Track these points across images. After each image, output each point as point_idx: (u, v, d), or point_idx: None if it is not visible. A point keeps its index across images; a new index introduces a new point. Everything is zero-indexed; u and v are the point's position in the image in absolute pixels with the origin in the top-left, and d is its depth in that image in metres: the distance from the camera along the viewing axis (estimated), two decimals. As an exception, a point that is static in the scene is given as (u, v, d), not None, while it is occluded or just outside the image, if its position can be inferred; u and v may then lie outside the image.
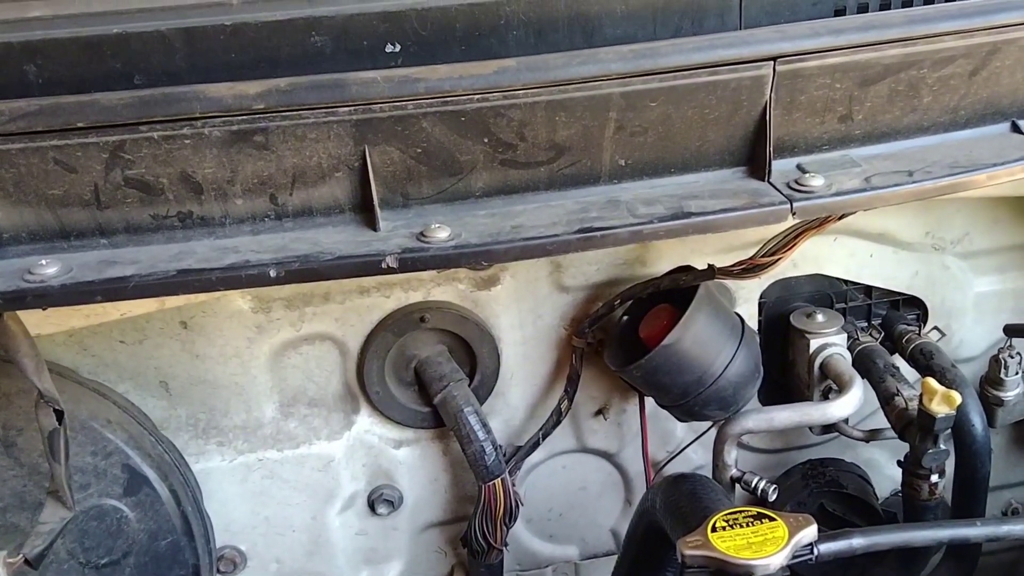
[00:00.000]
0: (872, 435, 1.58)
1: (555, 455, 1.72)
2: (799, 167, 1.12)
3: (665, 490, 1.35)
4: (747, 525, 1.11)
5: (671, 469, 1.75)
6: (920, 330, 1.66)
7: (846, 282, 1.65)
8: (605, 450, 1.73)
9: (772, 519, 1.12)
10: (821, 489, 1.67)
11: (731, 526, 1.11)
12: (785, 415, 1.48)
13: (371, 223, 1.05)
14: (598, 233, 1.01)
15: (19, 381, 1.33)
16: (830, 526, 1.67)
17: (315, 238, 1.04)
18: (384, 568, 1.73)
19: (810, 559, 1.11)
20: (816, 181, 1.08)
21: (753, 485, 1.50)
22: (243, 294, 1.46)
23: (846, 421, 1.61)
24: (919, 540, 1.14)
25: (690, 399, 1.42)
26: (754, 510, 1.14)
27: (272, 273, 0.98)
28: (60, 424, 1.19)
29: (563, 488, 1.76)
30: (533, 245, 1.00)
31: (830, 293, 1.66)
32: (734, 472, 1.53)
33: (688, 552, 1.09)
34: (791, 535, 1.09)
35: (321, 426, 1.58)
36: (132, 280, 0.98)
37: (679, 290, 1.44)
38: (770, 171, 1.10)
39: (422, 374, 1.55)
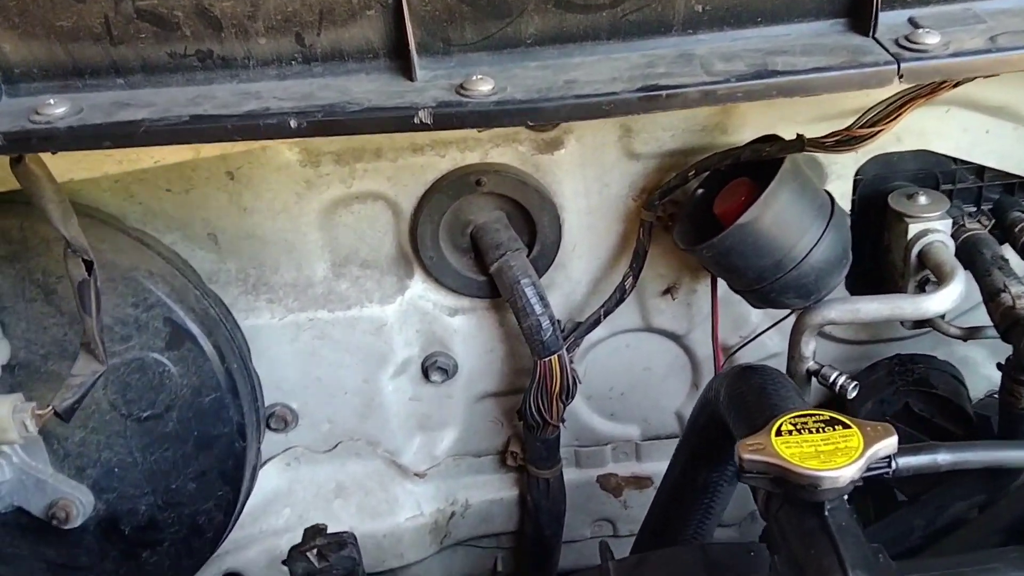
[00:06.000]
0: (971, 333, 1.44)
1: (618, 333, 1.62)
2: (911, 21, 0.94)
3: (731, 382, 1.24)
4: (817, 431, 1.00)
5: (743, 355, 1.64)
6: (1038, 219, 1.47)
7: (956, 160, 1.47)
8: (672, 331, 1.62)
9: (847, 426, 1.00)
10: (908, 387, 1.54)
11: (799, 431, 1.00)
12: (873, 307, 1.34)
13: (407, 72, 0.93)
14: (663, 92, 0.86)
15: (59, 227, 1.28)
16: (916, 427, 1.55)
17: (345, 86, 0.92)
18: (438, 435, 1.69)
19: (887, 473, 1.00)
20: (931, 39, 0.90)
21: (831, 380, 1.38)
22: (291, 146, 1.38)
23: (942, 317, 1.46)
24: (1013, 461, 1.01)
25: (766, 285, 1.29)
26: (827, 414, 1.02)
27: (292, 124, 0.87)
28: (90, 275, 1.14)
29: (626, 367, 1.67)
30: (587, 104, 0.87)
31: (936, 172, 1.47)
32: (811, 365, 1.41)
33: (746, 456, 0.99)
34: (867, 446, 0.97)
35: (373, 289, 1.51)
36: (143, 125, 0.89)
37: (762, 163, 1.29)
38: (876, 24, 0.92)
39: (478, 241, 1.46)
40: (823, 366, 1.39)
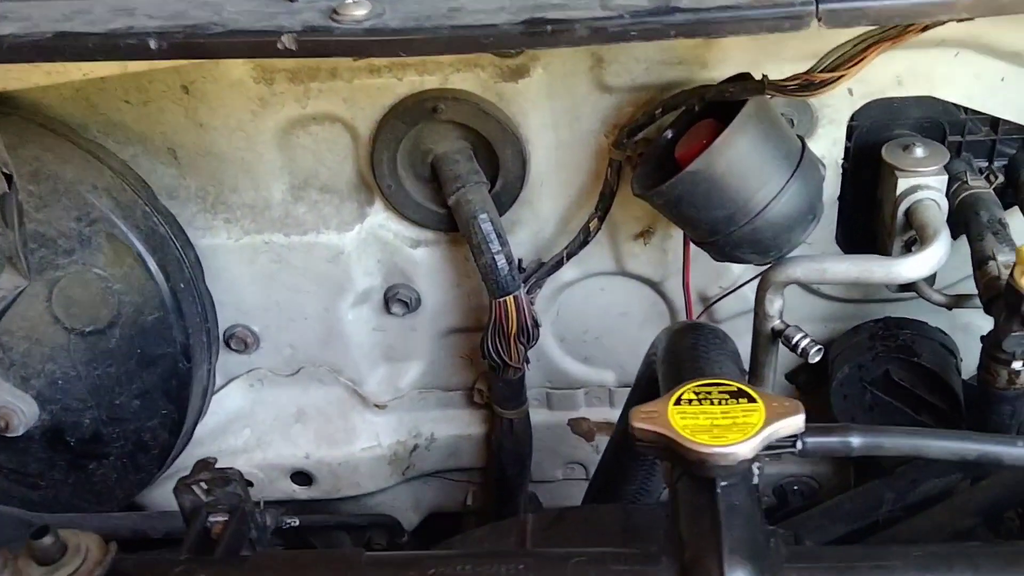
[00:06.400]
0: (957, 301, 1.33)
1: (591, 275, 1.54)
2: (853, -45, 0.83)
3: (669, 339, 1.17)
4: (720, 403, 0.93)
5: (723, 308, 1.55)
6: (1052, 181, 1.33)
7: (966, 110, 1.33)
8: (648, 277, 1.54)
9: (752, 400, 0.92)
10: (889, 354, 1.44)
11: (700, 401, 0.93)
12: (842, 268, 1.24)
13: (289, -10, 0.86)
14: (548, 27, 0.78)
15: None
16: (896, 397, 1.46)
17: (220, 4, 0.86)
18: (403, 367, 1.65)
19: (792, 452, 0.93)
20: (865, -24, 0.79)
21: (794, 342, 1.29)
22: (245, 61, 1.32)
23: (931, 281, 1.35)
24: (935, 451, 0.92)
25: (720, 238, 1.19)
26: (735, 385, 0.94)
27: (152, 45, 0.82)
28: (10, 187, 1.12)
29: (601, 311, 1.60)
30: (462, 36, 0.78)
31: (943, 122, 1.34)
32: (776, 324, 1.31)
33: (637, 424, 0.92)
34: (767, 424, 0.89)
35: (332, 214, 1.46)
36: (6, 41, 0.85)
37: (734, 104, 1.18)
38: (810, -44, 0.81)
39: (438, 172, 1.39)
40: (788, 326, 1.30)
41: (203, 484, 1.00)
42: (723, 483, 0.90)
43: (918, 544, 0.87)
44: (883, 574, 0.85)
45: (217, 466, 1.63)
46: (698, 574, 0.85)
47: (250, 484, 1.66)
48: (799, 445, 0.92)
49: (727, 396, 0.93)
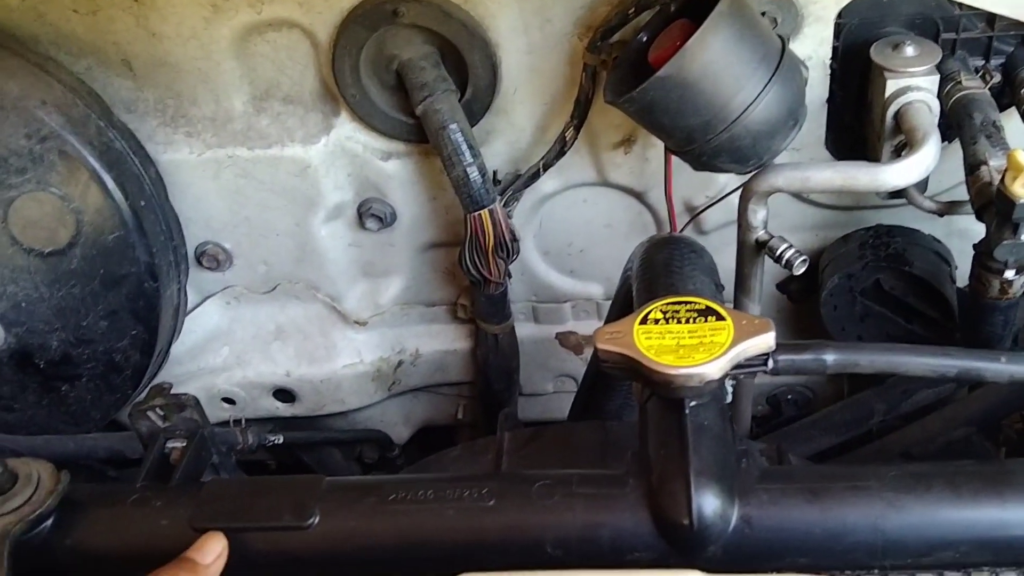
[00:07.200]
0: (949, 208, 1.27)
1: (572, 186, 1.48)
2: None
3: (645, 251, 1.13)
4: (688, 321, 0.89)
5: (710, 217, 1.49)
6: (1051, 79, 1.26)
7: (961, 5, 1.24)
8: (631, 187, 1.48)
9: (720, 318, 0.88)
10: (879, 263, 1.39)
11: (667, 320, 0.89)
12: (826, 176, 1.18)
13: None
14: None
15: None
16: (888, 307, 1.42)
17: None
18: (383, 282, 1.61)
19: (764, 371, 0.89)
20: None
21: (778, 253, 1.23)
22: (193, -32, 1.25)
23: (921, 187, 1.29)
24: (913, 368, 0.88)
25: (696, 147, 1.13)
26: (704, 303, 0.90)
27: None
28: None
29: (585, 223, 1.55)
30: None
31: (936, 18, 1.26)
32: (760, 235, 1.26)
33: (602, 345, 0.88)
34: (734, 343, 0.85)
35: (296, 127, 1.39)
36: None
37: (709, 3, 1.10)
38: None
39: (404, 79, 1.32)
40: (772, 237, 1.25)
41: (158, 410, 0.97)
42: (692, 403, 0.87)
43: (895, 464, 0.84)
44: (857, 494, 0.82)
45: (199, 384, 1.63)
46: (665, 497, 0.83)
47: (232, 402, 1.68)
48: (770, 363, 0.88)
49: (695, 314, 0.89)
